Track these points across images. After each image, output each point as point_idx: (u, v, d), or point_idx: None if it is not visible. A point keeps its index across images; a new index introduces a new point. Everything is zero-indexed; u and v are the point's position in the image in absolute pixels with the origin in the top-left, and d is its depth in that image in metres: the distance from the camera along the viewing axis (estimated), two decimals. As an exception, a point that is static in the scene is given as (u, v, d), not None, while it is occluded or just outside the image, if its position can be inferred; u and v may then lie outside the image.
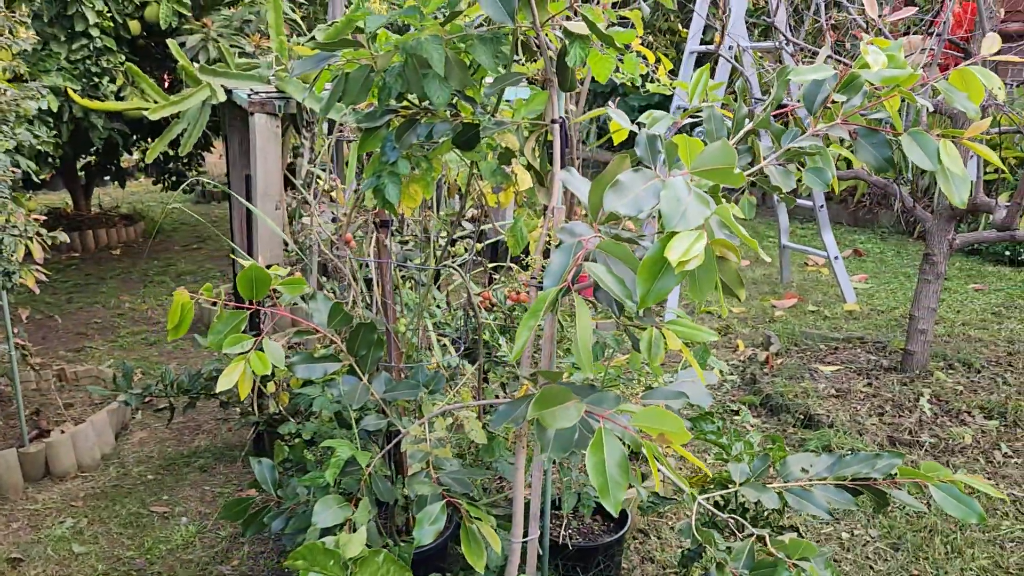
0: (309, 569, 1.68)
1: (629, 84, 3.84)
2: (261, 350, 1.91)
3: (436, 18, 1.82)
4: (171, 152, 7.12)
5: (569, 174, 1.66)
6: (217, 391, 1.91)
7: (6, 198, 2.45)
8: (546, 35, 1.84)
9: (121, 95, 4.99)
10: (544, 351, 2.01)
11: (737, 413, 3.66)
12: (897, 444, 3.21)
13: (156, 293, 5.97)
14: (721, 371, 4.15)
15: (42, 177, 7.93)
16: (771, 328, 4.66)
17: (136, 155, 7.21)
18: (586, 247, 1.41)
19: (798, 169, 1.80)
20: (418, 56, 1.78)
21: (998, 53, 1.71)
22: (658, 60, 4.22)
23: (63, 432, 3.48)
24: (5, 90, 2.61)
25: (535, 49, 1.90)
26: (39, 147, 4.62)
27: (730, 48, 4.70)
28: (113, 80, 4.81)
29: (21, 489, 3.33)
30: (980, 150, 1.60)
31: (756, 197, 6.44)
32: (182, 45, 4.70)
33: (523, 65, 2.05)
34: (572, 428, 1.43)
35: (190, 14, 5.00)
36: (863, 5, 1.75)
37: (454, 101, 1.93)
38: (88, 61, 4.50)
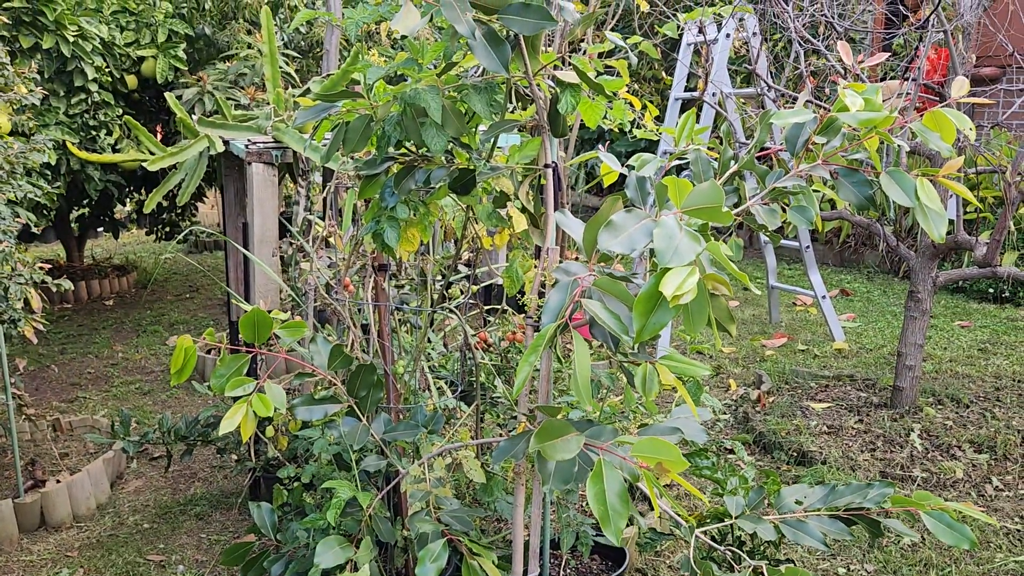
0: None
1: (616, 130, 3.96)
2: (263, 392, 1.96)
3: (432, 68, 1.90)
4: (164, 203, 7.20)
5: (564, 216, 1.73)
6: (219, 434, 1.94)
7: (11, 247, 2.49)
8: (538, 84, 1.92)
9: (118, 147, 5.07)
10: (541, 389, 2.06)
11: (731, 451, 3.69)
12: (890, 479, 3.24)
13: (149, 343, 5.99)
14: (715, 409, 4.19)
15: (34, 229, 7.99)
16: (762, 367, 4.71)
17: (130, 206, 7.27)
18: (582, 285, 1.47)
19: (783, 209, 1.88)
20: (416, 105, 1.85)
21: (971, 95, 1.79)
22: (644, 107, 4.35)
23: (58, 482, 3.47)
24: (13, 143, 2.68)
25: (527, 97, 1.98)
26: (38, 199, 4.68)
27: (713, 94, 4.83)
28: (110, 133, 4.89)
29: (16, 540, 3.31)
30: (956, 187, 1.68)
31: (743, 239, 6.57)
32: (178, 98, 4.80)
33: (514, 113, 2.13)
34: (572, 461, 1.47)
35: (186, 68, 5.11)
36: (840, 52, 1.84)
37: (450, 148, 2.00)
38: (86, 115, 4.59)
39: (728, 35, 4.78)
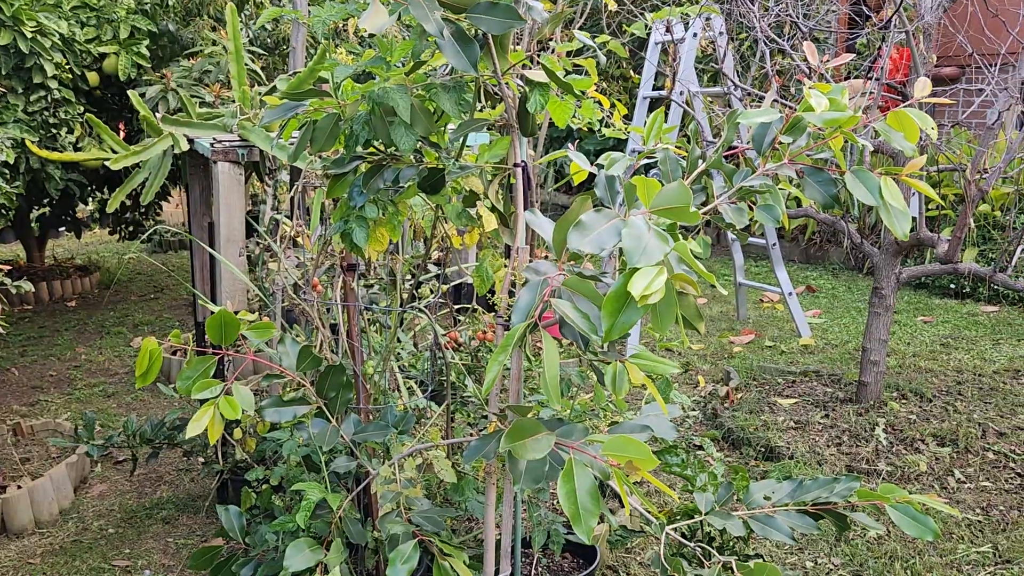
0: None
1: (585, 129, 3.96)
2: (230, 395, 1.93)
3: (400, 67, 1.88)
4: (128, 202, 7.09)
5: (533, 215, 1.72)
6: (186, 437, 1.91)
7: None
8: (507, 83, 1.92)
9: (79, 146, 4.98)
10: (512, 389, 2.06)
11: (701, 448, 3.72)
12: (856, 473, 3.29)
13: (113, 344, 5.89)
14: (684, 406, 4.22)
15: (-6, 229, 7.81)
16: (730, 363, 4.76)
17: (92, 205, 7.14)
18: (552, 285, 1.47)
19: (750, 208, 1.89)
20: (384, 104, 1.84)
21: (932, 95, 1.82)
22: (613, 105, 4.36)
23: (20, 487, 3.40)
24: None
25: (496, 96, 1.97)
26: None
27: (681, 93, 4.86)
28: (71, 131, 4.80)
29: (-24, 548, 3.24)
30: (918, 185, 1.71)
31: (711, 236, 6.61)
32: (141, 96, 4.72)
33: (483, 112, 2.13)
34: (543, 460, 1.47)
35: (149, 65, 5.03)
36: (806, 52, 1.86)
37: (420, 147, 1.99)
38: (46, 112, 4.50)
39: (695, 34, 4.81)
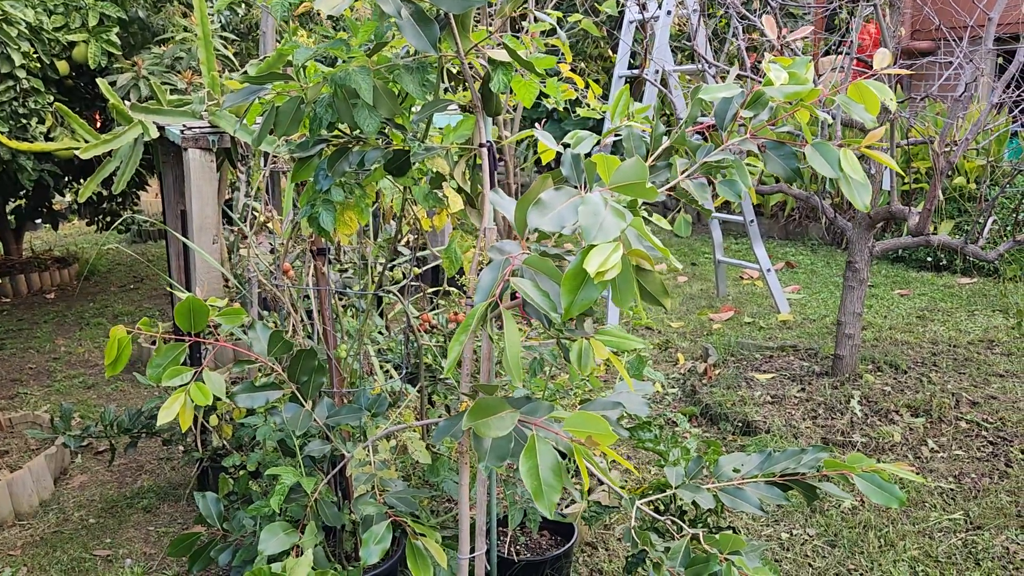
0: (255, 594, 1.69)
1: (563, 109, 3.95)
2: (202, 381, 1.93)
3: (364, 49, 1.87)
4: (105, 192, 7.03)
5: (497, 195, 1.72)
6: (158, 425, 1.91)
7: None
8: (470, 63, 1.91)
9: (51, 136, 4.93)
10: (483, 368, 2.07)
11: (678, 424, 3.75)
12: (831, 445, 3.33)
13: (93, 335, 5.86)
14: (662, 384, 4.25)
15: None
16: (709, 340, 4.79)
17: (68, 196, 7.08)
18: (513, 263, 1.47)
19: (710, 183, 1.90)
20: (347, 86, 1.83)
21: (907, 68, 1.83)
22: (587, 85, 4.35)
23: (-1, 480, 3.40)
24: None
25: (461, 76, 1.97)
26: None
27: (656, 72, 4.86)
28: (42, 121, 4.75)
29: (-44, 541, 3.23)
30: (879, 157, 1.72)
31: (692, 215, 6.62)
32: (113, 84, 4.67)
33: (449, 93, 2.12)
34: (508, 437, 1.48)
35: (120, 53, 4.97)
36: (765, 26, 1.86)
37: (385, 129, 1.98)
38: (15, 103, 4.44)
39: (668, 12, 4.80)
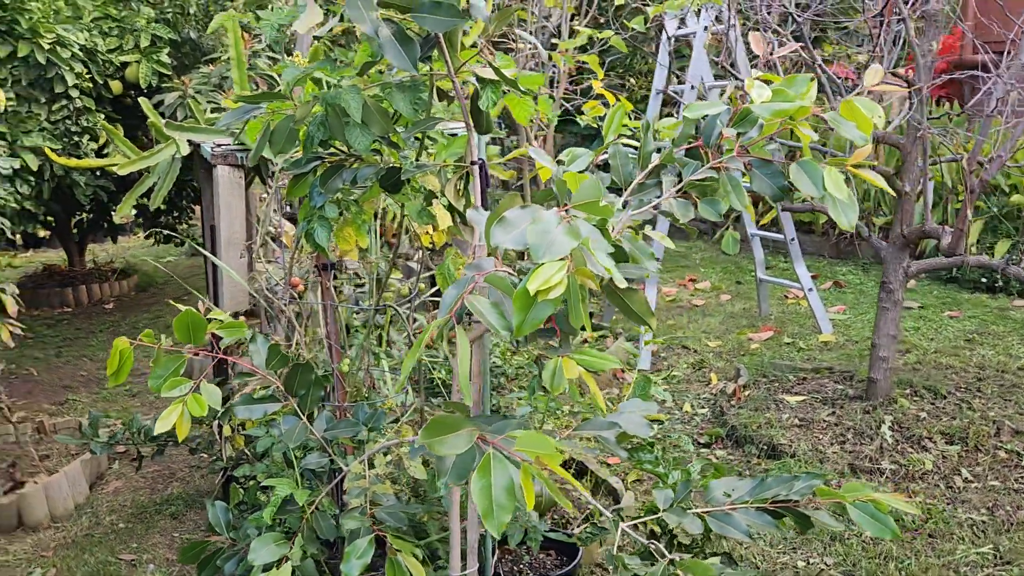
0: (231, 604, 1.72)
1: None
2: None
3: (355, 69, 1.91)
4: (162, 207, 7.27)
5: (475, 212, 1.73)
6: (155, 433, 1.97)
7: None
8: (461, 81, 1.93)
9: (104, 152, 5.13)
10: (473, 384, 2.07)
11: (706, 446, 3.68)
12: (858, 471, 3.22)
13: (143, 346, 6.04)
14: (692, 406, 4.18)
15: (42, 235, 8.08)
16: (745, 360, 4.69)
17: (152, 203, 7.35)
18: (476, 281, 1.47)
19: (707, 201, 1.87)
20: (338, 105, 1.86)
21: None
22: (618, 100, 4.32)
23: (36, 483, 3.53)
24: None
25: (452, 95, 1.98)
26: (26, 205, 4.75)
27: (692, 87, 4.81)
28: (95, 138, 4.95)
29: (-8, 541, 3.37)
30: (865, 175, 1.67)
31: (740, 233, 6.49)
32: (160, 103, 4.84)
33: (447, 110, 2.14)
34: (470, 454, 1.47)
35: (170, 72, 5.15)
36: (751, 42, 1.83)
37: (379, 147, 2.01)
38: (68, 121, 4.64)
39: (705, 27, 4.75)
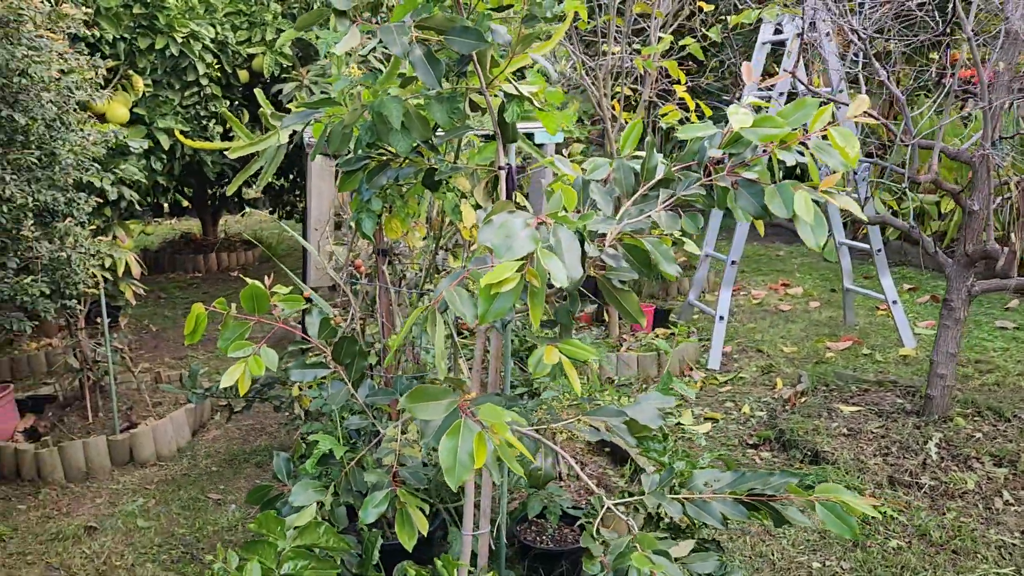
0: (260, 530, 2.04)
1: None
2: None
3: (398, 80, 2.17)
4: (286, 185, 7.87)
5: (484, 213, 1.97)
6: (221, 387, 2.31)
7: (81, 224, 2.98)
8: (492, 96, 2.16)
9: (230, 135, 5.65)
10: (491, 366, 2.32)
11: (753, 447, 3.78)
12: (896, 484, 3.26)
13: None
14: (750, 408, 4.26)
15: (186, 205, 8.87)
16: (817, 369, 4.71)
17: (255, 188, 7.98)
18: (464, 275, 1.71)
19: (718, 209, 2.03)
20: (382, 112, 2.14)
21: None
22: (698, 107, 4.46)
23: (147, 426, 4.03)
24: (91, 132, 3.17)
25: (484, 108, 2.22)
26: (158, 180, 5.33)
27: (781, 95, 4.84)
28: (221, 123, 5.48)
29: (108, 471, 3.89)
30: (835, 199, 1.79)
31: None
32: (278, 92, 5.31)
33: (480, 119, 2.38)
34: (449, 420, 1.72)
35: (291, 64, 5.61)
36: (742, 71, 1.97)
37: (419, 148, 2.27)
38: (198, 106, 5.17)
39: (798, 34, 4.76)
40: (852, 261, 5.57)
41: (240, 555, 2.06)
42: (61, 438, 3.94)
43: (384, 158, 2.32)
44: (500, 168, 2.22)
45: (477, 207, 2.27)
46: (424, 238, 2.86)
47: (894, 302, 5.08)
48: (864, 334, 5.46)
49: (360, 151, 2.26)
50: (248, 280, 2.40)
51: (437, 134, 2.25)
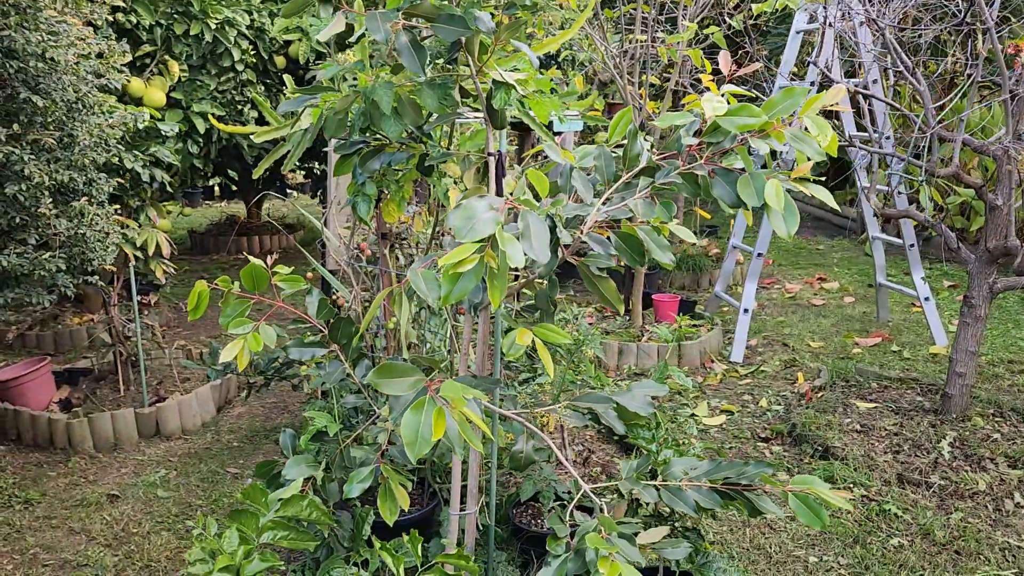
0: (245, 501, 2.11)
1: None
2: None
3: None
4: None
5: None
6: (220, 362, 2.39)
7: (101, 203, 3.09)
8: (481, 83, 2.19)
9: (265, 120, 5.78)
10: (479, 350, 2.35)
11: (765, 440, 3.75)
12: (905, 482, 3.21)
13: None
14: (768, 401, 4.23)
15: (235, 189, 9.08)
16: (840, 364, 4.64)
17: (284, 170, 8.15)
18: (434, 259, 1.75)
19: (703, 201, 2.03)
20: (374, 99, 2.18)
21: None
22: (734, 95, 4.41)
23: (173, 400, 4.17)
24: (112, 114, 3.28)
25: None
26: (195, 163, 5.48)
27: (812, 84, 4.76)
28: (257, 108, 5.60)
29: (135, 443, 4.04)
30: (809, 188, 1.78)
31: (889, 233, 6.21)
32: (312, 78, 5.40)
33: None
34: (416, 396, 1.76)
35: (326, 51, 5.71)
36: (720, 61, 1.96)
37: (412, 134, 2.32)
38: (234, 91, 5.30)
39: (831, 24, 4.68)
40: (894, 256, 5.46)
41: (223, 523, 2.14)
42: (92, 409, 4.10)
43: (378, 143, 2.37)
44: (489, 154, 2.25)
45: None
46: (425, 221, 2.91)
47: (926, 299, 4.97)
48: (896, 331, 5.35)
49: (354, 136, 2.31)
50: (252, 259, 2.47)
51: (431, 120, 2.29)
